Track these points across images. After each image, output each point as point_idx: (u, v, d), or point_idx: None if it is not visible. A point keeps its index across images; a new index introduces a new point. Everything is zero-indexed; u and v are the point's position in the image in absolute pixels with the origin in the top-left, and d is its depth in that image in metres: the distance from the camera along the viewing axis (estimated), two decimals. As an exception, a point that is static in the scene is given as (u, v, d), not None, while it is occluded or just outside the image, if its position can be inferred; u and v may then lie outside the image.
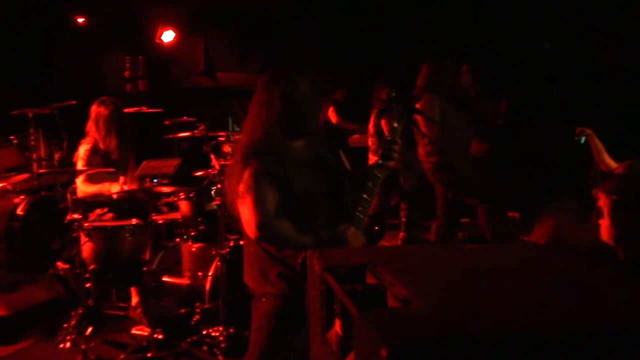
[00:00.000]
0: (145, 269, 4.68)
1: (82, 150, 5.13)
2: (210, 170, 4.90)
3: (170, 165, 5.58)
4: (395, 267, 1.89)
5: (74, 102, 6.12)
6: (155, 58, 9.49)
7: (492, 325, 1.48)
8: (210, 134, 5.06)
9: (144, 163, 5.46)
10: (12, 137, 6.46)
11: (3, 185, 5.54)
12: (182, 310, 4.73)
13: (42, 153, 6.80)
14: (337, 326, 1.84)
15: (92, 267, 4.49)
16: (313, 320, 2.13)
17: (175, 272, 4.91)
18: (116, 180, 5.04)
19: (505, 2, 8.03)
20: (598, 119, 5.33)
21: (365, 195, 3.01)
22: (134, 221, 4.62)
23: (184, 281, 4.83)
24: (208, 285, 4.64)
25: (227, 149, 5.93)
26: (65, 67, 8.92)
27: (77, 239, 4.50)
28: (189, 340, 4.57)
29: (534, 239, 3.99)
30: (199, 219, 5.19)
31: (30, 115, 6.10)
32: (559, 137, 6.11)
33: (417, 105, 5.75)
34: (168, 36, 9.29)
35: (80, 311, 4.46)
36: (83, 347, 4.31)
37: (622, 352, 1.44)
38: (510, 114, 7.15)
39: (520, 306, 1.62)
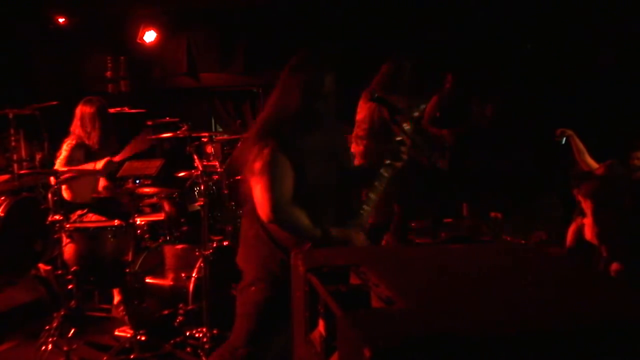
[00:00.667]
0: (127, 270, 4.66)
1: (66, 145, 5.11)
2: (193, 171, 4.88)
3: (153, 166, 5.55)
4: (378, 268, 1.90)
5: (55, 103, 6.08)
6: (137, 58, 9.45)
7: (475, 325, 1.49)
8: (193, 135, 5.04)
9: (127, 164, 5.44)
10: (-8, 138, 6.42)
11: (-17, 187, 5.49)
12: (166, 312, 4.70)
13: (23, 154, 6.76)
14: (321, 327, 1.84)
15: (74, 268, 4.46)
16: (297, 321, 2.13)
17: (158, 273, 4.89)
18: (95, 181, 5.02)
19: (488, 4, 8.07)
20: (579, 120, 5.38)
21: (371, 194, 3.03)
22: (116, 222, 4.60)
23: (167, 282, 4.81)
24: (191, 287, 4.62)
25: (210, 149, 5.92)
26: (47, 67, 8.86)
27: (59, 241, 4.47)
28: (172, 341, 4.54)
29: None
30: (182, 220, 5.17)
31: (11, 115, 6.05)
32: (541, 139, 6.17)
33: (361, 103, 5.83)
34: (150, 36, 9.25)
35: (62, 313, 4.43)
36: (65, 348, 4.28)
37: (604, 350, 1.46)
38: (494, 116, 7.21)
39: (503, 306, 1.63)
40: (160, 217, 5.18)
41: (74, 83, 8.89)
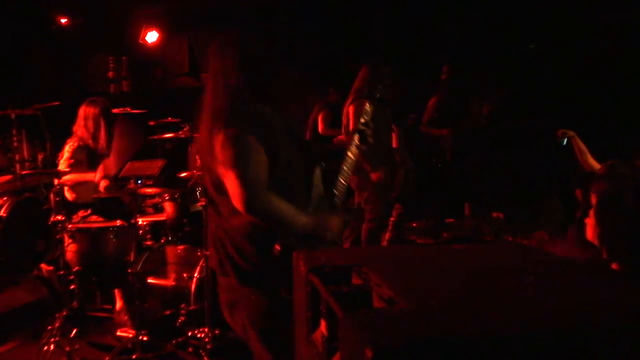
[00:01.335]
0: (129, 270, 4.66)
1: (69, 146, 5.11)
2: (195, 172, 4.88)
3: (155, 166, 5.55)
4: (380, 268, 1.89)
5: (57, 103, 6.08)
6: (139, 59, 9.45)
7: (477, 325, 1.49)
8: (194, 135, 5.04)
9: (128, 164, 5.44)
10: (-6, 139, 6.43)
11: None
12: (167, 312, 4.71)
13: (25, 154, 6.76)
14: (323, 327, 1.84)
15: (76, 268, 4.48)
16: (299, 321, 2.13)
17: (160, 273, 4.90)
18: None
19: (491, 3, 8.07)
20: (580, 120, 5.38)
21: (340, 178, 2.92)
22: (118, 222, 4.61)
23: (169, 283, 4.82)
24: (193, 287, 4.63)
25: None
26: (49, 67, 8.86)
27: (61, 241, 4.48)
28: (174, 342, 4.55)
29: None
30: (184, 220, 5.17)
31: (13, 116, 6.05)
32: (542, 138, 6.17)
33: (351, 108, 5.83)
34: (152, 37, 9.25)
35: (64, 313, 4.44)
36: (67, 349, 4.29)
37: (605, 350, 1.46)
38: (492, 114, 7.21)
39: (505, 306, 1.62)
40: (162, 217, 5.18)
41: (76, 83, 8.90)
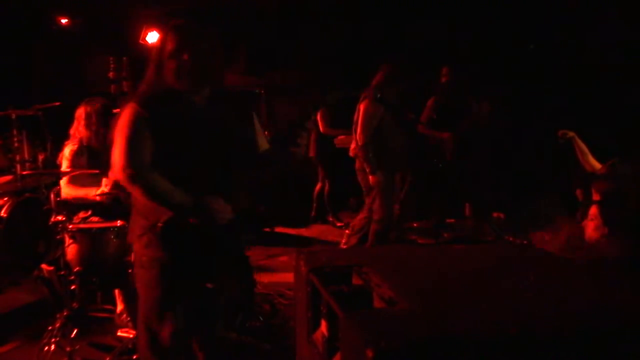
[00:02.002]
0: (130, 270, 4.66)
1: (67, 150, 5.09)
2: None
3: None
4: (381, 269, 1.90)
5: (57, 104, 6.08)
6: (140, 59, 9.43)
7: (477, 325, 1.49)
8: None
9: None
10: (-5, 139, 6.43)
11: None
12: (168, 312, 4.70)
13: (26, 155, 6.75)
14: (323, 327, 1.84)
15: (76, 269, 4.46)
16: (299, 321, 2.13)
17: (161, 273, 4.89)
18: (99, 183, 5.01)
19: (493, 4, 8.07)
20: (581, 120, 5.37)
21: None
22: (118, 223, 4.60)
23: (170, 283, 4.81)
24: (194, 287, 4.62)
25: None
26: (49, 68, 8.88)
27: (62, 241, 4.47)
28: (174, 342, 4.54)
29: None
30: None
31: (14, 116, 6.05)
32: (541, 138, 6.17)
33: (362, 106, 5.90)
34: (152, 37, 9.24)
35: (65, 313, 4.43)
36: (68, 349, 4.28)
37: (605, 350, 1.46)
38: (492, 114, 7.20)
39: (505, 306, 1.63)
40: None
41: (77, 84, 8.90)
